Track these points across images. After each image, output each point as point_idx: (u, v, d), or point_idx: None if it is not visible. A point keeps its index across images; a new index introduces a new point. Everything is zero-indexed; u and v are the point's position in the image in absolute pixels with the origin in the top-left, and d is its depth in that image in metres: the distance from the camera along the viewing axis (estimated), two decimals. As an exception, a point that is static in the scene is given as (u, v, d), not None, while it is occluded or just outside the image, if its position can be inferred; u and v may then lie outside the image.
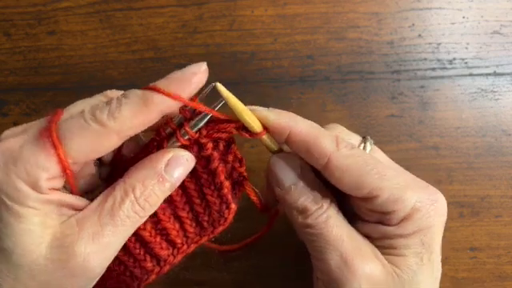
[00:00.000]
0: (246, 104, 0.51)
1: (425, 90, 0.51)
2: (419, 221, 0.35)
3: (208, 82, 0.51)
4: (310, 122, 0.37)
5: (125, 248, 0.35)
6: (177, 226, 0.37)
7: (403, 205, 0.35)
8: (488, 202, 0.50)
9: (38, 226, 0.31)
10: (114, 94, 0.37)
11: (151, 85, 0.33)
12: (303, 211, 0.38)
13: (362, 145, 0.39)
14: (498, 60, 0.52)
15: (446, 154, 0.50)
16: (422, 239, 0.35)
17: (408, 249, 0.36)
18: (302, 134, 0.36)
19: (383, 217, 0.36)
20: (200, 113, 0.35)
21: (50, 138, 0.31)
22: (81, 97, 0.36)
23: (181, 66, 0.51)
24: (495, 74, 0.51)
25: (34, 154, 0.31)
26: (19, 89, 0.52)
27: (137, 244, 0.36)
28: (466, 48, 0.52)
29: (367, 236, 0.37)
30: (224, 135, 0.36)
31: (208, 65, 0.51)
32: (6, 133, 0.34)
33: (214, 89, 0.35)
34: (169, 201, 0.37)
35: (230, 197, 0.37)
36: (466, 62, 0.51)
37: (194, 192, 0.37)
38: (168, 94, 0.33)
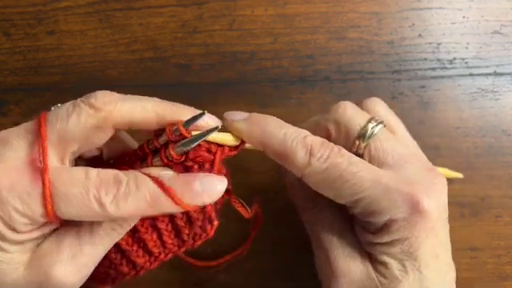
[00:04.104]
0: (245, 104, 0.51)
1: (425, 89, 0.51)
2: (396, 232, 0.34)
3: (208, 81, 0.51)
4: (283, 132, 0.35)
5: None
6: (154, 236, 0.36)
7: (378, 218, 0.34)
8: (488, 202, 0.50)
9: (16, 252, 0.31)
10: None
11: (169, 184, 0.32)
12: (300, 208, 0.39)
13: (369, 127, 0.38)
14: (499, 60, 0.51)
15: (446, 154, 0.50)
16: (401, 248, 0.34)
17: (389, 256, 0.35)
18: (274, 150, 0.35)
19: (363, 223, 0.36)
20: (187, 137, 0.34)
21: (43, 189, 0.30)
22: (81, 97, 0.35)
23: (181, 66, 0.52)
24: (495, 74, 0.51)
25: (22, 202, 0.30)
26: (19, 89, 0.52)
27: (113, 248, 0.35)
28: (467, 48, 0.52)
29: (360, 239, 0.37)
30: (208, 157, 0.35)
31: (208, 65, 0.52)
32: None
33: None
34: None
35: (213, 214, 0.36)
36: (466, 62, 0.51)
37: None
38: (179, 203, 0.32)
